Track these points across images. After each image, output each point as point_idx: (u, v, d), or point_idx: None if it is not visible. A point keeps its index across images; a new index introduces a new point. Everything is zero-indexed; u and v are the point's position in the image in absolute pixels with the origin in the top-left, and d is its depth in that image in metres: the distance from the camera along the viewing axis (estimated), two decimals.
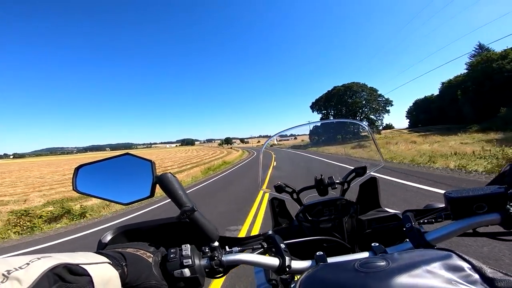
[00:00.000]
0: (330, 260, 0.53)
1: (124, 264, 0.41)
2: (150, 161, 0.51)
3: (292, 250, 0.61)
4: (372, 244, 0.55)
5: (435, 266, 0.32)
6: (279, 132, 1.05)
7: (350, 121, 1.05)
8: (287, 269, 0.51)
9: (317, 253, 0.54)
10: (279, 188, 0.83)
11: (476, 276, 0.29)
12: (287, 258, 0.52)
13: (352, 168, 0.82)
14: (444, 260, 0.33)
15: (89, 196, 0.52)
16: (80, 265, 0.32)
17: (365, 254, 0.53)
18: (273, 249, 0.56)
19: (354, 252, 0.63)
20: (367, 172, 0.81)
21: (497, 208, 0.48)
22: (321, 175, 0.80)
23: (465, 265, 0.31)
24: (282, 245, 0.55)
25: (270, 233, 0.60)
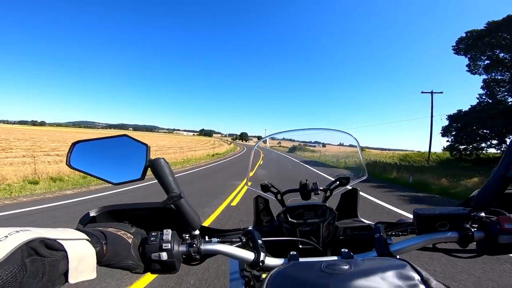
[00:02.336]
0: (302, 260, 0.57)
1: (104, 242, 0.42)
2: (146, 145, 0.51)
3: (270, 248, 0.69)
4: (342, 250, 0.59)
5: (389, 274, 0.35)
6: (270, 135, 1.07)
7: (340, 131, 1.03)
8: (261, 264, 0.54)
9: (291, 253, 0.59)
10: (265, 187, 0.85)
11: (422, 286, 0.33)
12: (262, 254, 0.55)
13: (336, 177, 0.85)
14: (398, 269, 0.37)
15: (80, 172, 0.53)
16: (57, 240, 0.33)
17: (334, 258, 0.57)
18: (251, 244, 0.58)
19: (326, 255, 0.70)
20: (350, 182, 0.84)
21: (457, 227, 0.54)
22: (306, 180, 0.82)
23: (415, 276, 0.35)
24: (260, 241, 0.58)
25: (250, 228, 0.63)
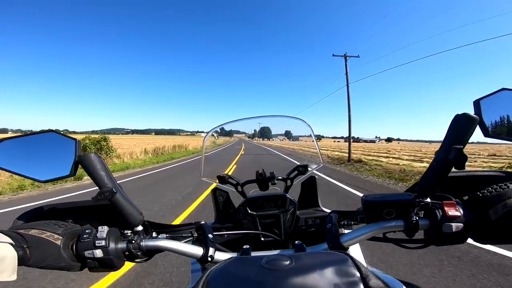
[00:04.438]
0: (254, 254, 0.56)
1: (25, 246, 0.41)
2: (75, 139, 0.49)
3: (233, 243, 0.71)
4: (296, 242, 0.59)
5: (328, 270, 0.34)
6: (217, 126, 0.96)
7: (295, 118, 0.97)
8: (209, 259, 0.52)
9: (244, 247, 0.58)
10: (222, 179, 0.82)
11: (360, 284, 0.32)
12: (210, 249, 0.53)
13: (296, 165, 0.84)
14: (339, 264, 0.35)
15: (6, 171, 0.50)
16: None
17: (290, 251, 0.57)
18: (202, 239, 0.57)
19: (287, 247, 0.70)
20: (308, 171, 0.82)
21: (403, 215, 0.50)
22: (263, 170, 0.80)
23: (355, 272, 0.33)
24: (210, 236, 0.56)
25: (202, 222, 0.61)
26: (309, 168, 0.82)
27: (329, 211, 0.74)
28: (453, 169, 0.47)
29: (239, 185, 0.83)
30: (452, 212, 0.46)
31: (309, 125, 0.90)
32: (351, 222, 0.60)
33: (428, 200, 0.50)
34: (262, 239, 0.70)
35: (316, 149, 0.96)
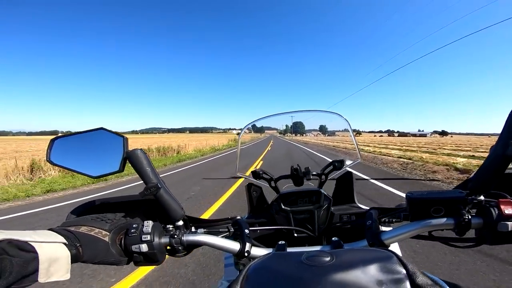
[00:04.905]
0: (290, 250, 0.54)
1: (78, 245, 0.42)
2: (123, 136, 0.51)
3: (266, 238, 0.71)
4: (332, 239, 0.56)
5: (372, 267, 0.32)
6: (250, 123, 0.96)
7: (331, 112, 0.92)
8: (246, 255, 0.52)
9: (279, 242, 0.56)
10: (256, 174, 0.83)
11: (407, 281, 0.31)
12: (247, 244, 0.53)
13: (330, 160, 0.83)
14: (383, 262, 0.33)
15: (61, 168, 0.53)
16: (29, 242, 0.34)
17: (326, 248, 0.54)
18: (238, 234, 0.57)
19: (321, 244, 0.69)
20: (344, 166, 0.81)
21: (453, 213, 0.48)
22: (298, 165, 0.79)
23: (401, 270, 0.32)
24: (247, 231, 0.56)
25: (238, 218, 0.61)
26: (346, 163, 0.82)
27: (365, 207, 0.74)
28: (511, 166, 0.45)
29: (273, 180, 0.83)
30: (508, 210, 0.44)
31: (346, 119, 0.89)
32: (393, 220, 0.58)
33: (482, 198, 0.48)
34: (296, 235, 0.69)
35: (354, 144, 0.92)
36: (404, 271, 0.32)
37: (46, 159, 0.51)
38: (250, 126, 0.97)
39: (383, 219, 0.58)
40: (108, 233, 0.48)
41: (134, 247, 0.47)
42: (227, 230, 0.61)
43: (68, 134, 0.53)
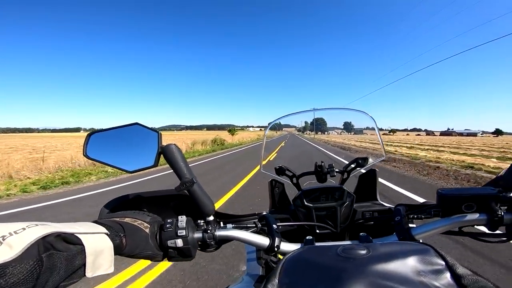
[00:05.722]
0: (318, 244, 0.56)
1: (122, 235, 0.42)
2: (157, 131, 0.51)
3: (287, 234, 0.72)
4: (360, 234, 0.57)
5: (411, 259, 0.33)
6: (274, 121, 0.96)
7: (356, 110, 0.94)
8: (276, 249, 0.52)
9: (307, 237, 0.59)
10: (280, 171, 0.83)
11: (447, 272, 0.31)
12: (277, 239, 0.53)
13: (354, 158, 0.82)
14: (421, 254, 0.34)
15: (97, 162, 0.53)
16: (75, 234, 0.33)
17: (352, 243, 0.55)
18: (266, 229, 0.57)
19: (344, 240, 0.68)
20: (368, 163, 0.81)
21: (485, 209, 0.49)
22: (322, 162, 0.80)
23: (440, 261, 0.33)
24: (275, 226, 0.56)
25: (264, 213, 0.62)
26: (370, 160, 0.81)
27: (387, 205, 0.74)
28: None
29: (295, 177, 0.83)
30: None
31: (371, 117, 0.89)
32: (422, 216, 0.57)
33: None
34: (318, 231, 0.69)
35: (379, 143, 0.91)
36: (443, 263, 0.32)
37: (83, 153, 0.52)
38: (274, 124, 0.96)
39: (411, 215, 0.58)
40: (149, 226, 0.47)
41: (170, 242, 0.47)
42: (254, 225, 0.61)
43: (104, 129, 0.54)
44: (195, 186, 0.50)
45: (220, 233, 0.53)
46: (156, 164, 0.50)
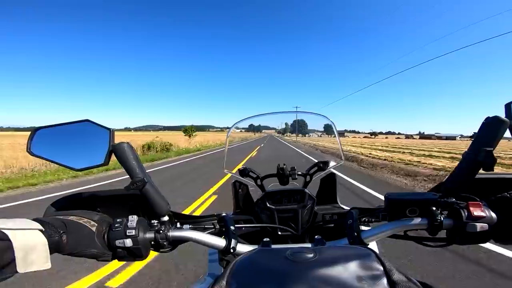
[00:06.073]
0: (274, 247, 0.58)
1: (62, 232, 0.42)
2: (109, 129, 0.50)
3: (251, 236, 0.73)
4: (315, 237, 0.59)
5: (352, 264, 0.34)
6: (237, 122, 0.93)
7: (317, 114, 0.97)
8: (232, 251, 0.53)
9: (264, 239, 0.60)
10: (243, 172, 0.83)
11: (384, 278, 0.32)
12: (233, 240, 0.54)
13: (316, 161, 0.84)
14: (362, 259, 0.35)
15: (42, 159, 0.52)
16: (1, 230, 0.33)
17: (308, 245, 0.58)
18: (224, 231, 0.58)
19: (304, 242, 0.70)
20: (328, 167, 0.82)
21: (427, 213, 0.51)
22: (284, 164, 0.80)
23: (378, 266, 0.34)
24: (232, 228, 0.57)
25: (223, 214, 0.62)
26: (330, 164, 0.82)
27: (347, 208, 0.74)
28: (481, 171, 0.48)
29: (259, 178, 0.83)
30: (477, 212, 0.46)
31: (331, 121, 0.93)
32: (372, 219, 0.60)
33: (453, 200, 0.51)
34: (280, 233, 0.70)
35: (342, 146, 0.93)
36: (381, 268, 0.33)
37: (27, 150, 0.50)
38: (238, 125, 0.92)
39: (363, 219, 0.60)
40: (96, 224, 0.47)
41: (118, 242, 0.46)
42: (212, 226, 0.62)
43: (51, 125, 0.51)
44: (147, 185, 0.50)
45: (174, 233, 0.52)
46: (106, 162, 0.49)
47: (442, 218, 0.49)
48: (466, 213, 0.47)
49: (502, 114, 0.48)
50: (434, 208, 0.50)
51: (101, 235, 0.46)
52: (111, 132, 0.49)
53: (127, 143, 0.50)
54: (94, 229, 0.45)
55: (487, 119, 0.47)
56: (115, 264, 2.49)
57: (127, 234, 0.46)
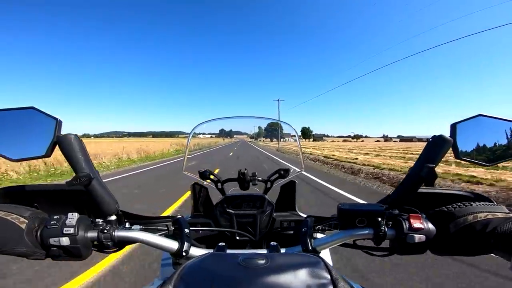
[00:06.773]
0: (229, 251, 0.57)
1: None
2: (56, 118, 0.47)
3: (208, 239, 0.73)
4: (271, 243, 0.60)
5: (302, 271, 0.35)
6: (198, 125, 0.93)
7: (282, 122, 1.04)
8: (184, 254, 0.53)
9: (219, 244, 0.59)
10: (203, 175, 0.83)
11: (330, 286, 0.33)
12: (186, 244, 0.53)
13: (277, 168, 0.86)
14: (311, 267, 0.36)
15: None
16: None
17: (263, 251, 0.59)
18: (178, 233, 0.57)
19: (261, 247, 0.71)
20: (289, 175, 0.84)
21: (373, 224, 0.53)
22: (245, 169, 0.81)
23: (326, 275, 0.35)
24: (187, 230, 0.56)
25: (178, 217, 0.61)
26: (290, 171, 0.84)
27: (305, 215, 0.75)
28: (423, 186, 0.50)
29: (220, 182, 0.83)
30: (416, 224, 0.49)
31: (293, 128, 0.99)
32: (325, 228, 0.61)
33: (397, 211, 0.53)
34: (238, 238, 0.71)
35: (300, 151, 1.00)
36: (329, 277, 0.34)
37: None
38: (196, 130, 0.92)
39: (317, 227, 0.61)
40: (26, 221, 0.45)
41: (52, 240, 0.44)
42: (166, 228, 0.60)
43: None
44: (94, 182, 0.48)
45: (120, 233, 0.50)
46: (49, 154, 0.46)
47: (386, 229, 0.51)
48: (407, 225, 0.49)
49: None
50: (379, 219, 0.52)
51: (32, 233, 0.44)
52: (57, 122, 0.46)
53: (75, 135, 0.47)
54: (23, 226, 0.43)
55: (434, 137, 0.49)
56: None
57: (64, 232, 0.44)
